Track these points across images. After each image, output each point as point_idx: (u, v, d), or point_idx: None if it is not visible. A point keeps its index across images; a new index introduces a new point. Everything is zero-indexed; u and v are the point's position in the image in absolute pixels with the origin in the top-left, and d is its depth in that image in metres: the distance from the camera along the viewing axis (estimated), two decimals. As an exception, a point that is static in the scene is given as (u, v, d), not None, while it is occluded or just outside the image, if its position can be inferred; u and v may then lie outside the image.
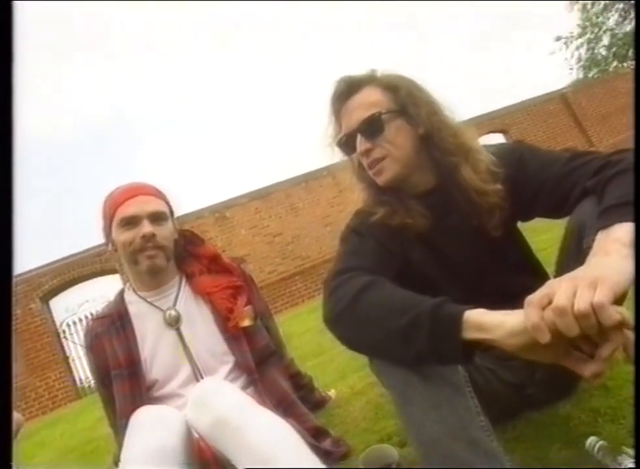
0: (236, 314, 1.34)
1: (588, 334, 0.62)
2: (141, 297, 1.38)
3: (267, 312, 1.52)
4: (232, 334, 1.33)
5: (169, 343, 1.34)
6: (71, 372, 9.40)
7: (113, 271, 9.58)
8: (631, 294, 0.66)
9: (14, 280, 9.34)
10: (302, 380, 1.65)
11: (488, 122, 11.63)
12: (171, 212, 1.39)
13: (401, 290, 0.82)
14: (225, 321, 1.34)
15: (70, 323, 9.82)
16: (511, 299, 1.02)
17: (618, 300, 0.63)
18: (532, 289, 0.71)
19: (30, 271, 9.33)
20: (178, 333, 1.34)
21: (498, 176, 0.99)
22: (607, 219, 0.73)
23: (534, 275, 1.07)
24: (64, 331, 9.69)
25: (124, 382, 1.29)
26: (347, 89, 1.04)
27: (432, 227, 1.03)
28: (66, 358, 9.55)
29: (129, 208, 1.29)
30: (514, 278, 1.02)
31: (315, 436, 1.26)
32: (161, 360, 1.32)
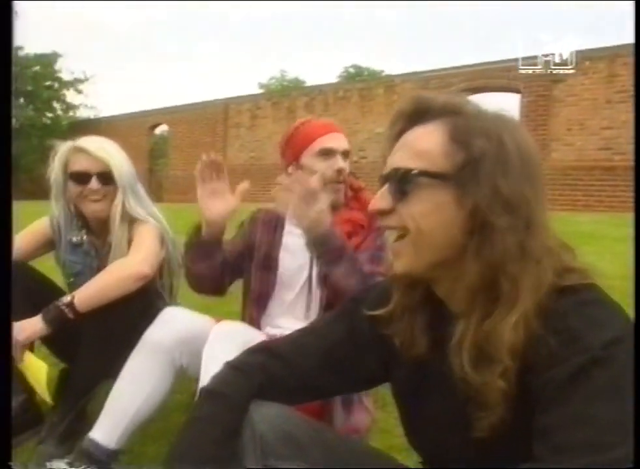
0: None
1: None
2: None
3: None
4: None
5: (305, 263, 1.42)
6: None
7: (516, 90, 9.18)
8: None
9: (427, 74, 10.13)
10: None
11: None
12: None
13: (218, 433, 0.76)
14: None
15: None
16: None
17: None
18: None
19: (443, 69, 9.90)
20: (311, 259, 1.39)
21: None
22: None
23: None
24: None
25: (258, 270, 1.46)
26: (414, 113, 0.73)
27: (428, 364, 0.76)
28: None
29: (329, 141, 1.40)
30: None
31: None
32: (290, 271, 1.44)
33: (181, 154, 14.05)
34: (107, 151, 1.55)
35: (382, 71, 20.23)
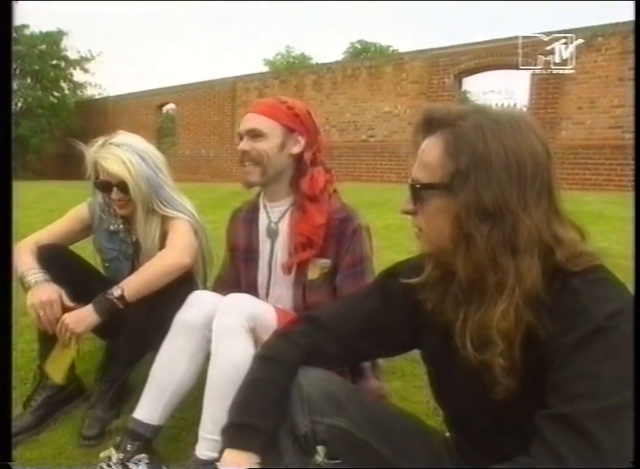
0: (294, 260, 1.43)
1: None
2: (265, 202, 1.56)
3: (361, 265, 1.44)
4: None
5: (265, 249, 1.53)
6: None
7: (514, 67, 9.07)
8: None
9: (436, 52, 9.98)
10: None
11: None
12: (291, 131, 1.47)
13: (274, 392, 0.88)
14: (289, 256, 1.45)
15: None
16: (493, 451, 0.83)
17: None
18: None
19: (452, 47, 9.74)
20: (272, 245, 1.52)
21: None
22: None
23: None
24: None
25: (240, 262, 1.58)
26: (424, 125, 0.83)
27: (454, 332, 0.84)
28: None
29: (242, 124, 1.53)
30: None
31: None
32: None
33: (189, 133, 14.06)
34: (124, 164, 1.56)
35: (390, 46, 19.96)
